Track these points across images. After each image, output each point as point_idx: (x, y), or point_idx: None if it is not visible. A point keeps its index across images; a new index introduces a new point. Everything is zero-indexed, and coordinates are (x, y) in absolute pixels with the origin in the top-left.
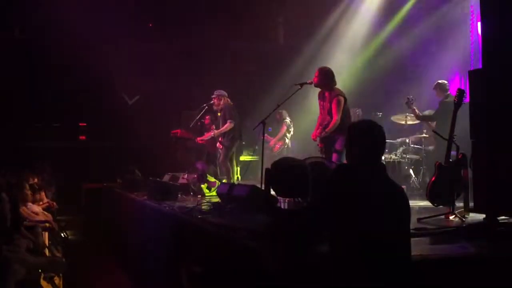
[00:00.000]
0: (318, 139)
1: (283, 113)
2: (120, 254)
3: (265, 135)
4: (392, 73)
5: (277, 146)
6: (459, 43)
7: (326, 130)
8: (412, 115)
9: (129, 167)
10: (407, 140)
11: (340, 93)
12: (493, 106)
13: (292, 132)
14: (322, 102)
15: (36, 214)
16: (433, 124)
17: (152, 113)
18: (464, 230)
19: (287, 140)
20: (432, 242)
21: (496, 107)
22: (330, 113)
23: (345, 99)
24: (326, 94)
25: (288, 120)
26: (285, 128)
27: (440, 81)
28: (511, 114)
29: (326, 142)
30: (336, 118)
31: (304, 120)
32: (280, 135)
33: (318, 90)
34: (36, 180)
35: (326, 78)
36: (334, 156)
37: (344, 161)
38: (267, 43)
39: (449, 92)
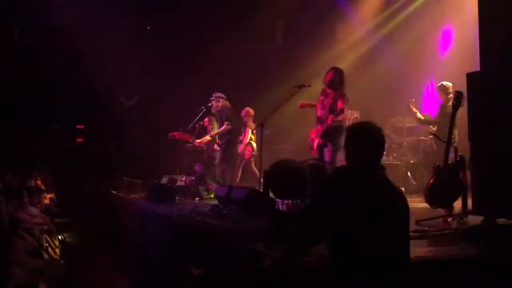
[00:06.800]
0: (309, 140)
1: (249, 111)
2: (119, 256)
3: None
4: (391, 75)
5: (248, 152)
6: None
7: (336, 117)
8: (410, 117)
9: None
10: (405, 143)
11: (345, 94)
12: (491, 109)
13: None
14: (324, 99)
15: (34, 216)
16: (433, 126)
17: (150, 115)
18: (463, 232)
19: (254, 145)
20: (431, 244)
21: (494, 109)
22: (332, 110)
23: (348, 101)
24: (329, 91)
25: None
26: (249, 131)
27: (444, 83)
28: (509, 116)
29: (321, 144)
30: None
31: (300, 123)
32: (245, 140)
33: (314, 93)
34: (34, 182)
35: (342, 77)
36: (327, 150)
37: (339, 155)
38: (265, 45)
39: (451, 95)
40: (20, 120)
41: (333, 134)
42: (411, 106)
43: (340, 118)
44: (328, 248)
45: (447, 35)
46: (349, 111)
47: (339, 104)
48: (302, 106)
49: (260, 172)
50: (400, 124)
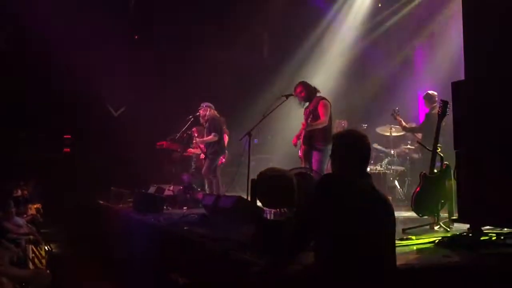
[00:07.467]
0: (299, 150)
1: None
2: (106, 267)
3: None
4: (377, 85)
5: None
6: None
7: (312, 123)
8: (397, 126)
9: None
10: (392, 152)
11: (324, 98)
12: (476, 117)
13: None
14: (307, 110)
15: (20, 226)
16: (418, 135)
17: (137, 124)
18: (449, 240)
19: (226, 152)
20: (417, 252)
21: (479, 118)
22: (315, 116)
23: (330, 105)
24: (308, 103)
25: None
26: (227, 138)
27: (429, 92)
28: (493, 125)
29: (307, 151)
30: (324, 118)
31: (287, 132)
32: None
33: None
34: (20, 192)
35: (309, 86)
36: (315, 160)
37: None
38: (252, 55)
39: (436, 104)
40: (6, 129)
41: (320, 143)
42: (395, 114)
43: (318, 124)
44: (315, 255)
45: (431, 45)
46: (337, 120)
47: (320, 108)
48: (296, 140)
49: (247, 181)
50: (387, 133)
